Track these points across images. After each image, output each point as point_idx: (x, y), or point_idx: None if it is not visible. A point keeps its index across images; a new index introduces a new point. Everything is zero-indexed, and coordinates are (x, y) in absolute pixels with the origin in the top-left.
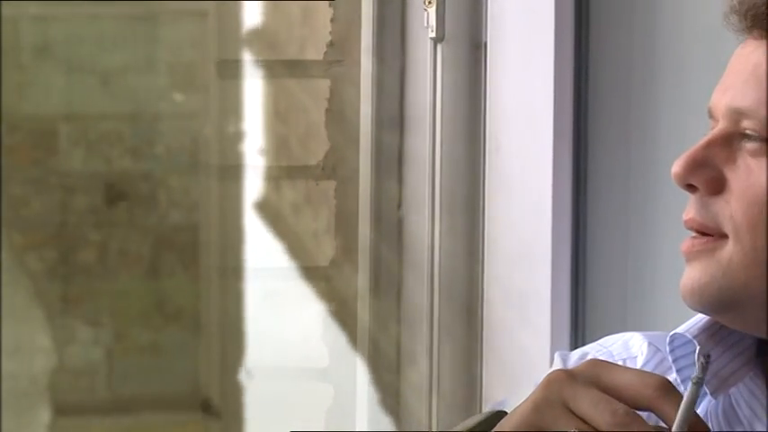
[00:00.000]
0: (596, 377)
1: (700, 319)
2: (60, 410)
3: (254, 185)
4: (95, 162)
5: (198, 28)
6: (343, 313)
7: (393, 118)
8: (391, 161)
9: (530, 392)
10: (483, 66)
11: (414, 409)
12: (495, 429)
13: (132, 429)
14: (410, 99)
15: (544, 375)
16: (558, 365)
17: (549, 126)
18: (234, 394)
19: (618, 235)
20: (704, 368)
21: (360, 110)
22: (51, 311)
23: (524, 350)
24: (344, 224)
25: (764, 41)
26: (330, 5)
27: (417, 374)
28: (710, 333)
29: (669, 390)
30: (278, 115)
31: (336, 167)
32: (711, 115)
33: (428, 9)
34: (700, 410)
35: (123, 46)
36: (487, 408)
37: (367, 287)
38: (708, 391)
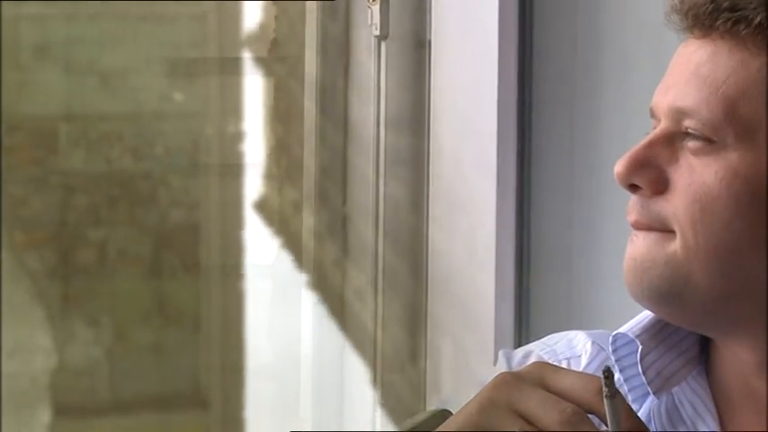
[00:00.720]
0: (541, 379)
1: (643, 317)
2: (60, 410)
3: (253, 185)
4: (95, 162)
5: (198, 28)
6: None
7: (337, 115)
8: (335, 159)
9: (475, 392)
10: (427, 63)
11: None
12: (440, 429)
13: (132, 429)
14: (354, 96)
15: (489, 375)
16: (502, 364)
17: (494, 124)
18: (234, 394)
19: (562, 233)
20: (609, 383)
21: (304, 107)
22: (51, 311)
23: (469, 349)
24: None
25: (706, 41)
26: (274, 4)
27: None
28: (653, 332)
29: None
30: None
31: (280, 164)
32: (653, 114)
33: (372, 7)
34: (643, 410)
35: (123, 46)
36: (432, 407)
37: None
38: (650, 391)
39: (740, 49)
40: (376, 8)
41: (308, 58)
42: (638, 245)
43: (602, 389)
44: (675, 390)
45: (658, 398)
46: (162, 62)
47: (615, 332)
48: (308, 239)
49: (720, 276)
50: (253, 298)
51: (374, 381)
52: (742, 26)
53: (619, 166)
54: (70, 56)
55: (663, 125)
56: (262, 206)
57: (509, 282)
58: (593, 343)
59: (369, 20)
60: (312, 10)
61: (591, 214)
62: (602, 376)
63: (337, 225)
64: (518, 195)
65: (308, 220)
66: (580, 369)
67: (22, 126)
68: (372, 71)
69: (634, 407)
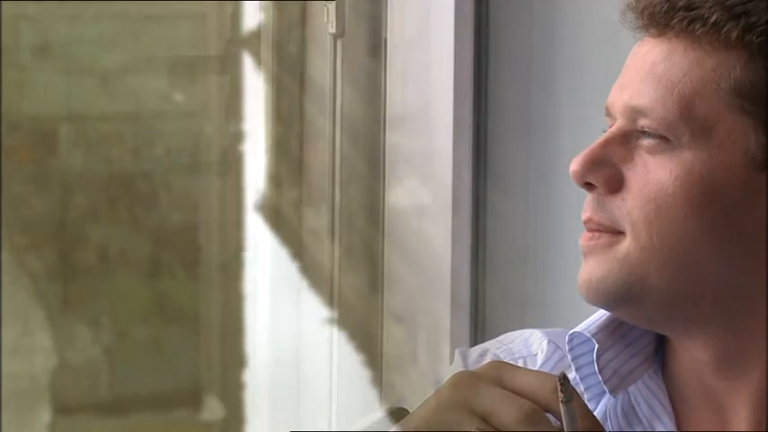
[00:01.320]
0: (498, 378)
1: (599, 316)
2: (61, 410)
3: (253, 185)
4: (95, 162)
5: (198, 28)
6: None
7: (293, 113)
8: (293, 159)
9: (431, 391)
10: (383, 62)
11: None
12: (397, 428)
13: (132, 429)
14: (310, 94)
15: (445, 373)
16: (458, 362)
17: (449, 124)
18: (234, 393)
19: (518, 231)
20: (564, 389)
21: (259, 105)
22: (51, 311)
23: (425, 346)
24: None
25: (661, 39)
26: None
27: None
28: (609, 331)
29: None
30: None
31: (235, 162)
32: (609, 113)
33: (328, 5)
34: (599, 408)
35: (123, 46)
36: (388, 405)
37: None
38: (607, 390)
39: (695, 48)
40: (332, 6)
41: (264, 55)
42: (589, 266)
43: (563, 375)
44: (632, 389)
45: (615, 397)
46: (162, 62)
47: (571, 331)
48: (308, 239)
49: (676, 276)
50: (253, 298)
51: (375, 381)
52: (697, 25)
53: (574, 165)
54: (70, 56)
55: (618, 124)
56: (262, 206)
57: (465, 280)
58: (549, 342)
59: (325, 18)
60: (269, 7)
61: (547, 213)
62: (558, 382)
63: (293, 227)
64: (474, 194)
65: (308, 221)
66: (536, 368)
67: (22, 126)
68: (328, 69)
69: (590, 405)
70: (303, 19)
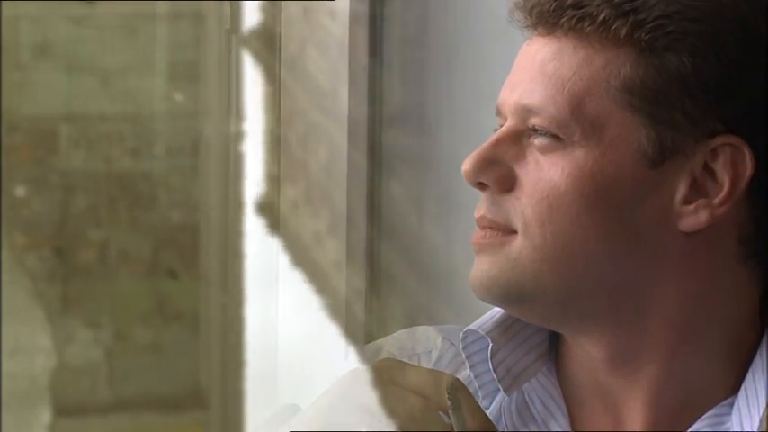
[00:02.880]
0: (391, 375)
1: (494, 313)
2: (61, 410)
3: (253, 185)
4: (95, 162)
5: (197, 28)
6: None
7: (189, 108)
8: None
9: (324, 389)
10: (278, 57)
11: None
12: (288, 427)
13: (132, 429)
14: (205, 89)
15: (339, 371)
16: (353, 360)
17: (344, 118)
18: (234, 394)
19: (414, 236)
20: (452, 398)
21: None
22: (51, 311)
23: (318, 343)
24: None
25: (550, 38)
26: None
27: None
28: (504, 328)
29: (460, 390)
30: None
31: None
32: (499, 113)
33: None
34: (493, 406)
35: (123, 46)
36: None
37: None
38: (501, 388)
39: (584, 47)
40: (226, 1)
41: (158, 52)
42: (482, 264)
43: (451, 384)
44: (526, 386)
45: (509, 395)
46: (162, 62)
47: (466, 328)
48: (308, 239)
49: (570, 274)
50: (252, 298)
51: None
52: (586, 23)
53: (466, 165)
54: (70, 56)
55: (509, 123)
56: (262, 206)
57: (360, 278)
58: (443, 339)
59: (220, 13)
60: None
61: (442, 211)
62: (449, 384)
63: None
64: (369, 193)
65: (308, 221)
66: (431, 365)
67: (22, 126)
68: (223, 64)
69: (484, 403)
70: (303, 18)
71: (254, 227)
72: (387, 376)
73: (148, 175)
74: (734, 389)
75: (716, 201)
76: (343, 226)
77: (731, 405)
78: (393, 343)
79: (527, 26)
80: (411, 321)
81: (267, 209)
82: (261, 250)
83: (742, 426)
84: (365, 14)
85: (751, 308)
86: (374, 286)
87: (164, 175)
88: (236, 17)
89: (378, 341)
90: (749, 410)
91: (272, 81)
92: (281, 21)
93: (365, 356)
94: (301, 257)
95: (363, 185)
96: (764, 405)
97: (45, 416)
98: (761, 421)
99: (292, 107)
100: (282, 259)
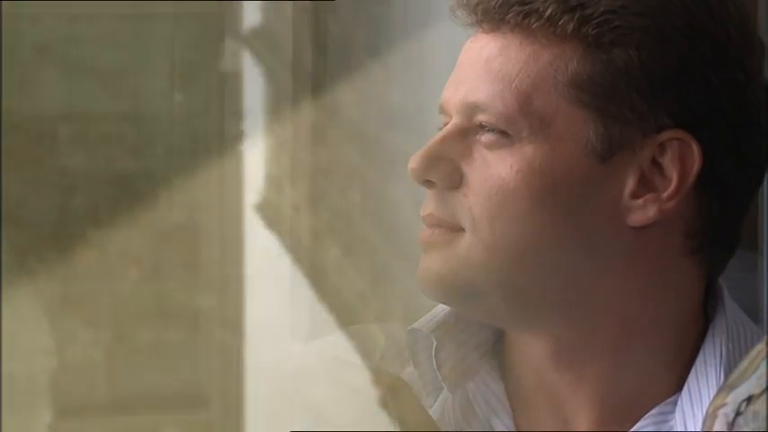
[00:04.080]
0: (333, 374)
1: (438, 311)
2: (61, 411)
3: (253, 185)
4: (95, 162)
5: (197, 28)
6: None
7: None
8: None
9: (267, 384)
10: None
11: None
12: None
13: (132, 429)
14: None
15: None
16: (296, 357)
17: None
18: (234, 394)
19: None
20: (395, 397)
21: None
22: (51, 311)
23: (248, 340)
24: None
25: (495, 35)
26: None
27: None
28: (448, 327)
29: (402, 388)
30: None
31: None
32: (443, 111)
33: None
34: (437, 405)
35: (123, 46)
36: None
37: None
38: (445, 387)
39: (531, 42)
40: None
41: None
42: (430, 262)
43: (392, 383)
44: (470, 385)
45: (452, 393)
46: (162, 62)
47: (410, 327)
48: (307, 240)
49: (519, 271)
50: (252, 298)
51: (375, 381)
52: (533, 19)
53: (412, 163)
54: (70, 56)
55: (455, 120)
56: (262, 206)
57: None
58: (386, 337)
59: None
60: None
61: (385, 210)
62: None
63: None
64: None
65: (308, 221)
66: (374, 363)
67: (22, 126)
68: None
69: (428, 401)
70: (304, 18)
71: (254, 227)
72: (329, 375)
73: (148, 175)
74: (678, 385)
75: (664, 195)
76: (344, 226)
77: (675, 403)
78: (336, 341)
79: (471, 23)
80: (411, 321)
81: (267, 209)
82: (261, 250)
83: (685, 424)
84: (365, 14)
85: (697, 302)
86: (374, 286)
87: (164, 175)
88: (236, 17)
89: (322, 339)
90: (692, 409)
91: (273, 81)
92: (281, 21)
93: (308, 354)
94: (301, 257)
95: (363, 185)
96: (708, 402)
97: (45, 416)
98: (704, 420)
99: (292, 107)
100: (282, 259)
